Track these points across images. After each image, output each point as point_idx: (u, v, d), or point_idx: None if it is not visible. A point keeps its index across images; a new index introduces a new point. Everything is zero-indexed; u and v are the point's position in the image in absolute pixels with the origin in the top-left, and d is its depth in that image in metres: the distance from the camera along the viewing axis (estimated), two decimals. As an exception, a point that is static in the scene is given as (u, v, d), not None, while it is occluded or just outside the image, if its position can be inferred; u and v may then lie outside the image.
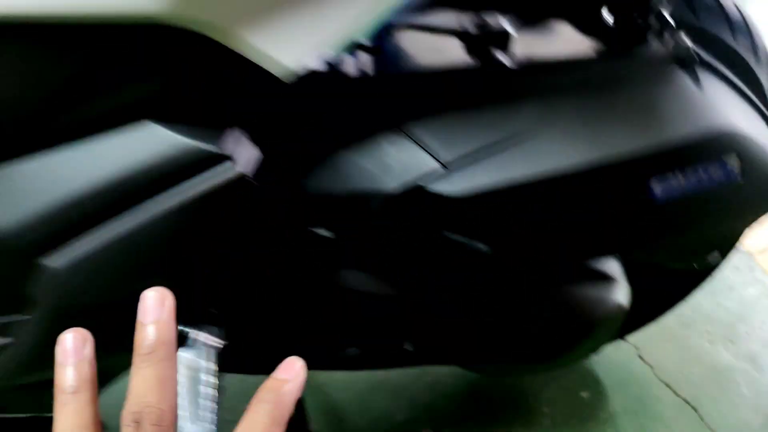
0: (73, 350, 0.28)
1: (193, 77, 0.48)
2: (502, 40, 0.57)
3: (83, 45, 0.44)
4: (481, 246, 0.56)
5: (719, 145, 0.53)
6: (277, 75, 0.47)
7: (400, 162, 0.53)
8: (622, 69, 0.55)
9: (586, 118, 0.52)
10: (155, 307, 0.28)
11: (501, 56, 0.56)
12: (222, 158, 0.50)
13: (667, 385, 0.98)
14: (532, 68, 0.55)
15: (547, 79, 0.55)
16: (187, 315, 0.38)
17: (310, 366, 0.31)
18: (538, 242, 0.55)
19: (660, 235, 0.56)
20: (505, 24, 0.60)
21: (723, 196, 0.55)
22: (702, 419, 0.93)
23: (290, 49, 0.46)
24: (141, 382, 0.27)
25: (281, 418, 0.27)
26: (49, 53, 0.44)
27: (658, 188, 0.52)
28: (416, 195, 0.52)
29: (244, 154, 0.51)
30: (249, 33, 0.45)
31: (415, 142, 0.53)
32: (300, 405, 0.75)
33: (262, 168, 0.52)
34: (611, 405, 0.94)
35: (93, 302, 0.51)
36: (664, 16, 0.55)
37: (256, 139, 0.51)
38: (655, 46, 0.56)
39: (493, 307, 0.65)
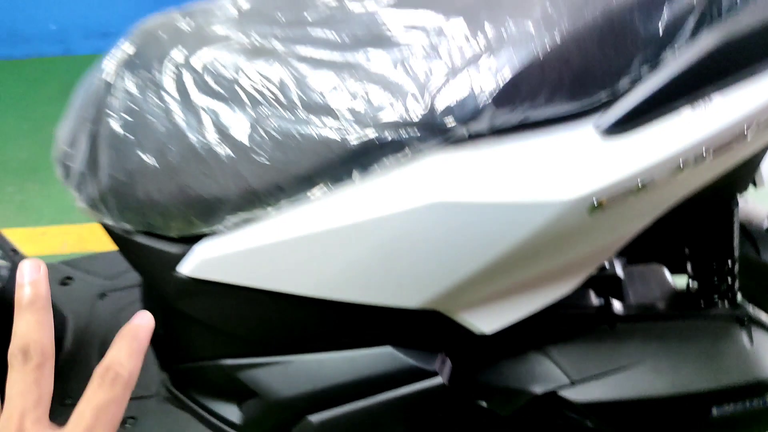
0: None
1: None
2: (616, 284, 0.85)
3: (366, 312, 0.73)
4: (589, 423, 0.84)
5: (761, 389, 0.78)
6: (476, 333, 0.75)
7: (542, 374, 0.81)
8: (697, 324, 0.81)
9: (670, 357, 0.79)
10: (32, 270, 0.36)
11: (615, 302, 0.83)
12: (432, 373, 0.79)
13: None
14: (634, 315, 0.82)
15: (644, 324, 0.82)
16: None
17: None
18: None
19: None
20: (618, 268, 0.87)
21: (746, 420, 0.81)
22: None
23: (491, 322, 0.74)
24: (24, 325, 0.35)
25: (139, 350, 0.36)
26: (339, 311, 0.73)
27: (715, 411, 0.79)
28: (552, 396, 0.81)
29: (445, 369, 0.80)
30: (466, 314, 0.74)
31: (553, 361, 0.81)
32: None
33: (454, 371, 0.81)
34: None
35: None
36: (734, 284, 0.81)
37: (452, 357, 0.81)
38: (721, 307, 0.82)
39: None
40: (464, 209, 0.62)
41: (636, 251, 0.89)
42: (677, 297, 0.86)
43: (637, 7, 0.59)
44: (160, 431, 0.96)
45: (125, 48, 0.74)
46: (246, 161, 0.67)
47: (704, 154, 0.60)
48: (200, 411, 0.94)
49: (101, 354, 1.05)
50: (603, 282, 0.85)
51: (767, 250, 0.90)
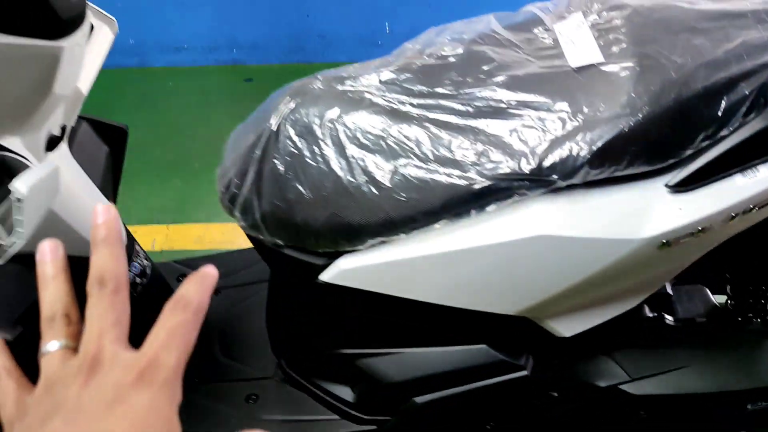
0: (49, 251, 0.38)
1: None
2: (667, 301, 1.03)
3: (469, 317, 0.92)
4: (642, 413, 1.03)
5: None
6: (557, 336, 0.95)
7: (606, 371, 1.00)
8: (734, 336, 1.00)
9: (712, 362, 0.98)
10: (104, 212, 0.39)
11: (666, 315, 1.02)
12: (517, 367, 0.98)
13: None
14: (681, 326, 1.01)
15: (689, 334, 1.01)
16: None
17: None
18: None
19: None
20: (668, 287, 1.05)
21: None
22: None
23: (571, 328, 0.93)
24: (99, 258, 0.37)
25: (207, 288, 0.37)
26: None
27: (749, 406, 0.97)
28: (613, 390, 1.00)
29: (529, 364, 0.99)
30: (551, 321, 0.93)
31: (615, 361, 1.00)
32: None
33: (535, 367, 1.00)
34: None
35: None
36: (766, 305, 0.99)
37: (535, 355, 1.00)
38: (754, 323, 1.00)
39: None
40: (561, 241, 0.81)
41: (684, 275, 1.07)
42: (717, 313, 1.05)
43: (702, 95, 0.77)
44: (279, 407, 1.16)
45: (285, 105, 0.94)
46: (387, 198, 0.86)
47: (751, 208, 0.79)
48: (315, 391, 1.14)
49: (221, 345, 1.26)
50: (657, 299, 1.04)
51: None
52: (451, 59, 0.91)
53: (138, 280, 1.20)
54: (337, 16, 2.74)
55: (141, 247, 1.27)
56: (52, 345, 0.36)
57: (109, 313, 0.36)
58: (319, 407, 1.14)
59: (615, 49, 0.84)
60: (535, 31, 0.92)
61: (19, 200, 0.83)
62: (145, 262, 1.24)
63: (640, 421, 1.06)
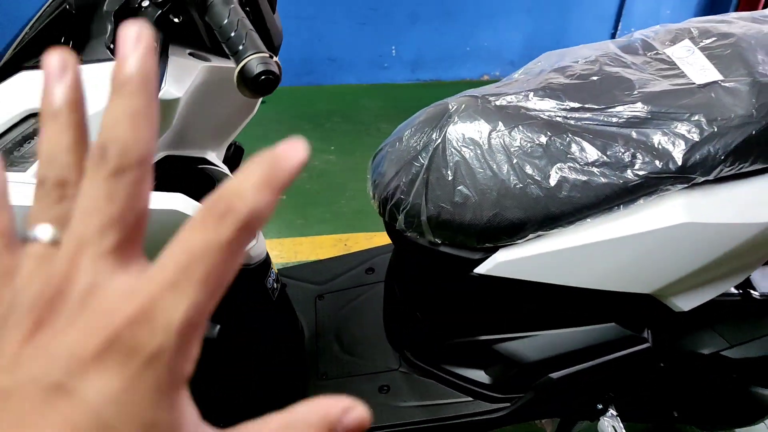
0: (58, 62, 0.24)
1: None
2: (748, 280, 1.23)
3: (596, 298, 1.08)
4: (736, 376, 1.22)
5: None
6: (674, 309, 1.12)
7: (709, 341, 1.18)
8: None
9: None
10: (136, 41, 0.23)
11: (751, 291, 1.22)
12: (642, 340, 1.15)
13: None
14: (766, 299, 1.21)
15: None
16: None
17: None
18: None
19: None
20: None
21: None
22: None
23: (688, 302, 1.11)
24: (110, 116, 0.22)
25: (278, 186, 0.21)
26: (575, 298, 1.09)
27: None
28: (716, 356, 1.18)
29: (650, 338, 1.16)
30: (673, 297, 1.10)
31: (716, 332, 1.19)
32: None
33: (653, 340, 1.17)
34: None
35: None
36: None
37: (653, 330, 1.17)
38: None
39: (724, 396, 1.31)
40: (701, 227, 0.99)
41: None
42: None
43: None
44: (411, 394, 1.28)
45: (450, 114, 1.09)
46: (548, 197, 1.02)
47: None
48: (445, 376, 1.27)
49: (339, 344, 1.38)
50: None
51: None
52: (592, 78, 1.08)
53: (275, 285, 1.30)
54: (346, 41, 2.89)
55: None
56: (41, 230, 0.23)
57: (100, 209, 0.21)
58: (450, 391, 1.27)
59: (729, 68, 1.03)
60: (650, 54, 1.11)
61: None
62: (274, 272, 1.34)
63: (733, 388, 1.25)
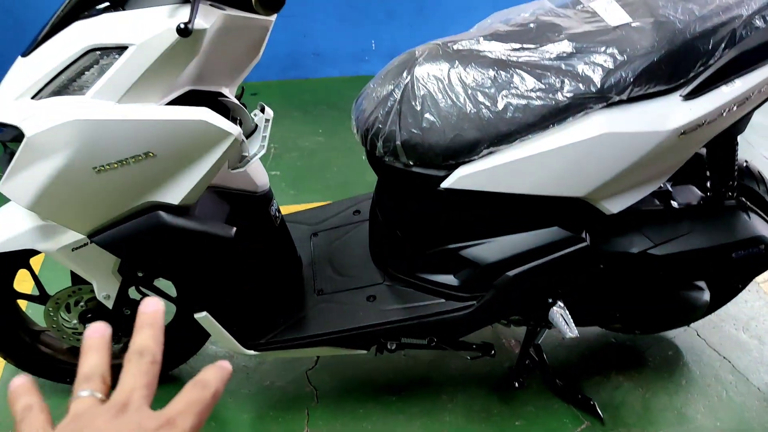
0: (98, 330, 0.46)
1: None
2: (668, 195, 1.50)
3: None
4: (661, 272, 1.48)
5: (757, 241, 1.44)
6: (602, 211, 1.37)
7: (636, 241, 1.44)
8: (719, 209, 1.48)
9: (707, 226, 1.45)
10: (154, 304, 0.46)
11: (672, 202, 1.48)
12: (581, 240, 1.40)
13: (713, 348, 1.89)
14: (684, 207, 1.47)
15: (688, 211, 1.47)
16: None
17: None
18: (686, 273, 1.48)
19: (729, 274, 1.49)
20: (667, 186, 1.52)
21: (751, 261, 1.46)
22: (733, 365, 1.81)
23: (617, 206, 1.37)
24: (142, 336, 0.44)
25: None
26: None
27: (734, 255, 1.44)
28: (643, 254, 1.44)
29: (587, 238, 1.42)
30: (603, 201, 1.36)
31: (642, 233, 1.45)
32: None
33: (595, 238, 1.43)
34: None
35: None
36: (735, 191, 1.48)
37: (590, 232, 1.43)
38: (728, 202, 1.49)
39: (654, 297, 1.56)
40: (618, 136, 1.25)
41: (677, 178, 1.54)
42: (704, 198, 1.52)
43: (698, 38, 1.24)
44: (394, 300, 1.52)
45: (416, 58, 1.35)
46: (497, 119, 1.28)
47: (733, 107, 1.26)
48: (421, 284, 1.51)
49: (332, 268, 1.62)
50: (663, 194, 1.50)
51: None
52: (530, 25, 1.35)
53: (277, 214, 1.55)
54: (329, 36, 3.17)
55: None
56: (84, 392, 0.41)
57: (143, 376, 0.41)
58: (426, 296, 1.51)
59: (637, 13, 1.30)
60: (578, 8, 1.38)
61: (267, 120, 1.19)
62: (276, 203, 1.59)
63: (660, 285, 1.51)
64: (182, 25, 0.98)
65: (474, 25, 1.52)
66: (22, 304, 1.72)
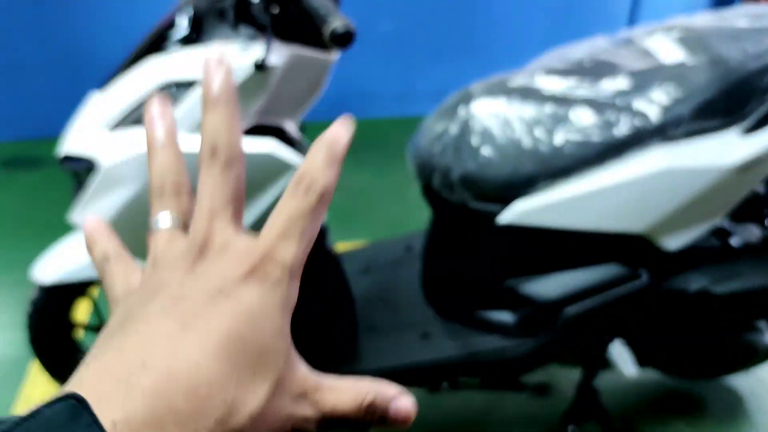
0: (159, 116, 0.35)
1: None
2: (727, 233, 1.47)
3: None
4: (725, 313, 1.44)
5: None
6: (659, 247, 1.36)
7: (695, 279, 1.41)
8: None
9: (764, 266, 1.41)
10: (217, 66, 0.33)
11: (735, 243, 1.45)
12: (638, 276, 1.38)
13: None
14: (743, 247, 1.45)
15: (749, 250, 1.44)
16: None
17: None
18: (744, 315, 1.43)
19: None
20: (725, 223, 1.49)
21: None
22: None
23: (675, 242, 1.35)
24: (212, 122, 0.32)
25: (337, 159, 0.31)
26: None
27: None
28: (703, 293, 1.41)
29: (647, 276, 1.40)
30: (662, 238, 1.34)
31: (701, 273, 1.42)
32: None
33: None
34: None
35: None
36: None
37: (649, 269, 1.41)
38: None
39: (714, 339, 1.52)
40: (678, 172, 1.25)
41: (737, 216, 1.51)
42: (764, 238, 1.49)
43: (753, 75, 1.24)
44: (449, 337, 1.51)
45: (474, 94, 1.37)
46: (555, 155, 1.29)
47: (795, 142, 1.25)
48: (477, 321, 1.50)
49: (384, 304, 1.62)
50: (721, 232, 1.48)
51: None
52: (585, 63, 1.37)
53: (332, 247, 1.57)
54: (376, 77, 3.24)
55: None
56: (162, 218, 0.33)
57: (221, 189, 0.31)
58: (482, 333, 1.50)
59: (692, 52, 1.31)
60: (632, 46, 1.39)
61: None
62: (331, 237, 1.61)
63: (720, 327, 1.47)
64: (260, 61, 1.03)
65: (527, 63, 1.54)
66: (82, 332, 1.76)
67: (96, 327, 1.61)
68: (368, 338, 1.57)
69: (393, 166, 2.83)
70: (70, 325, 1.62)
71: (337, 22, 0.97)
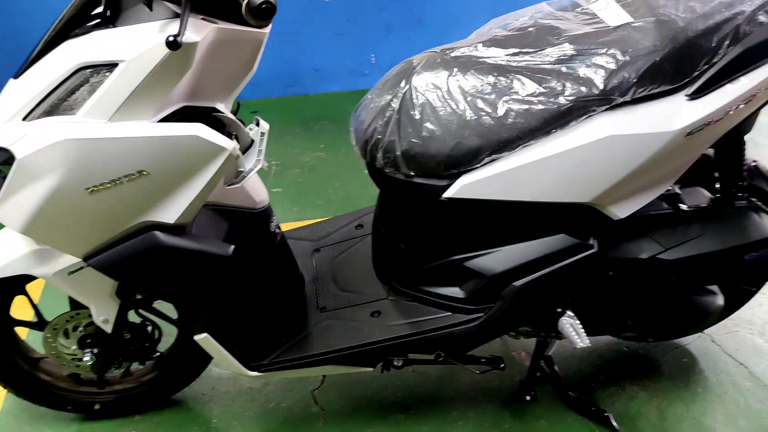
0: None
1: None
2: (676, 197, 1.46)
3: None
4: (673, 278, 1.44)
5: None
6: (609, 216, 1.34)
7: (645, 246, 1.40)
8: (729, 210, 1.44)
9: (718, 228, 1.40)
10: None
11: (680, 204, 1.44)
12: (588, 247, 1.36)
13: (729, 354, 1.84)
14: (693, 210, 1.44)
15: (697, 213, 1.43)
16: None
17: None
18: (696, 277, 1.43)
19: (742, 277, 1.44)
20: (675, 188, 1.48)
21: (764, 263, 1.42)
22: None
23: (624, 211, 1.33)
24: None
25: None
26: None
27: (747, 257, 1.40)
28: (653, 259, 1.40)
29: (595, 245, 1.38)
30: (610, 206, 1.32)
31: (652, 238, 1.41)
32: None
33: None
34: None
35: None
36: (745, 191, 1.44)
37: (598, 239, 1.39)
38: (738, 203, 1.45)
39: (666, 303, 1.52)
40: (622, 139, 1.22)
41: (685, 180, 1.50)
42: (713, 200, 1.49)
43: (701, 35, 1.21)
44: (399, 315, 1.48)
45: (414, 67, 1.32)
46: (498, 125, 1.25)
47: (739, 105, 1.23)
48: (426, 297, 1.47)
49: (336, 284, 1.58)
50: (671, 197, 1.47)
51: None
52: (529, 29, 1.32)
53: (277, 230, 1.52)
54: (329, 52, 3.16)
55: None
56: None
57: None
58: (431, 309, 1.47)
59: (638, 13, 1.27)
60: (577, 10, 1.35)
61: (263, 134, 1.16)
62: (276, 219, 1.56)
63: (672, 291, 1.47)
64: (171, 38, 0.96)
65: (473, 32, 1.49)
66: (23, 331, 1.69)
67: (35, 324, 1.54)
68: (318, 319, 1.54)
69: (346, 141, 2.75)
70: (10, 323, 1.54)
71: (254, -7, 0.91)
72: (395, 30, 3.19)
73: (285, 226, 2.36)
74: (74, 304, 1.50)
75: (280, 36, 3.07)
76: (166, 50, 1.00)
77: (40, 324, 1.53)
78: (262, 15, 0.92)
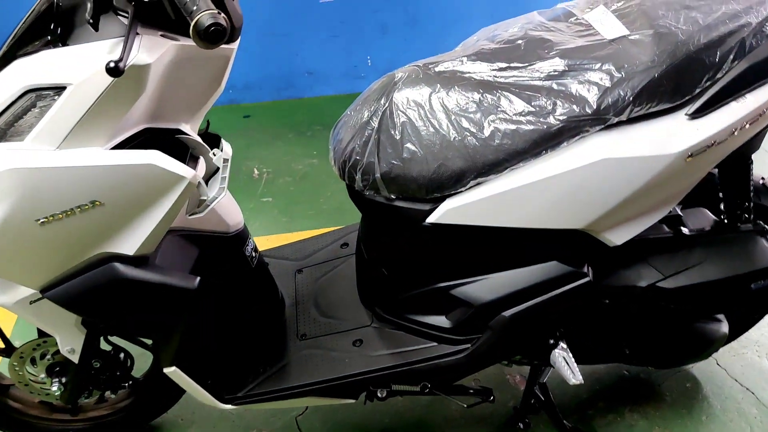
0: None
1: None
2: (678, 219, 1.36)
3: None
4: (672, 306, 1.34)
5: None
6: (608, 245, 1.25)
7: (645, 274, 1.31)
8: (734, 235, 1.34)
9: (722, 254, 1.31)
10: None
11: (682, 228, 1.35)
12: (582, 275, 1.27)
13: (734, 379, 1.75)
14: (695, 234, 1.34)
15: (700, 238, 1.34)
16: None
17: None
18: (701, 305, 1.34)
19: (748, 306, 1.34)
20: (677, 210, 1.39)
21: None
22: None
23: (620, 237, 1.24)
24: None
25: None
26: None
27: (752, 285, 1.30)
28: (652, 287, 1.31)
29: (590, 273, 1.29)
30: (605, 232, 1.23)
31: (651, 265, 1.31)
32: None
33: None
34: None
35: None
36: (751, 214, 1.34)
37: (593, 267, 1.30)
38: (743, 226, 1.35)
39: (666, 331, 1.43)
40: (618, 162, 1.13)
41: (687, 201, 1.41)
42: (717, 223, 1.39)
43: (703, 50, 1.12)
44: (382, 344, 1.40)
45: (395, 82, 1.23)
46: (484, 146, 1.16)
47: (745, 125, 1.13)
48: (411, 326, 1.39)
49: (317, 310, 1.50)
50: (672, 219, 1.37)
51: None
52: (518, 42, 1.23)
53: (254, 254, 1.43)
54: (323, 54, 3.06)
55: None
56: None
57: None
58: (416, 339, 1.39)
59: (635, 24, 1.18)
60: (571, 20, 1.26)
61: (226, 160, 1.08)
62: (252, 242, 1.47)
63: (672, 318, 1.37)
64: (112, 64, 0.87)
65: (460, 43, 1.40)
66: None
67: (2, 351, 1.47)
68: (297, 348, 1.46)
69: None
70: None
71: (202, 15, 0.82)
72: (390, 31, 3.09)
73: (273, 238, 2.28)
74: (42, 332, 1.42)
75: (273, 38, 2.99)
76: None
77: (7, 351, 1.46)
78: (211, 39, 0.84)
